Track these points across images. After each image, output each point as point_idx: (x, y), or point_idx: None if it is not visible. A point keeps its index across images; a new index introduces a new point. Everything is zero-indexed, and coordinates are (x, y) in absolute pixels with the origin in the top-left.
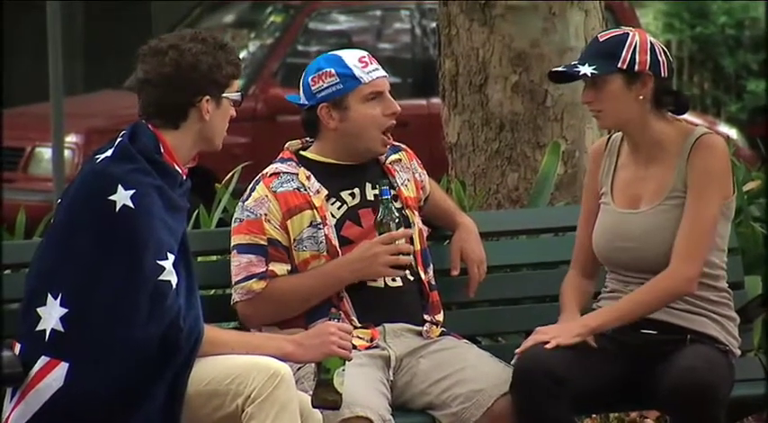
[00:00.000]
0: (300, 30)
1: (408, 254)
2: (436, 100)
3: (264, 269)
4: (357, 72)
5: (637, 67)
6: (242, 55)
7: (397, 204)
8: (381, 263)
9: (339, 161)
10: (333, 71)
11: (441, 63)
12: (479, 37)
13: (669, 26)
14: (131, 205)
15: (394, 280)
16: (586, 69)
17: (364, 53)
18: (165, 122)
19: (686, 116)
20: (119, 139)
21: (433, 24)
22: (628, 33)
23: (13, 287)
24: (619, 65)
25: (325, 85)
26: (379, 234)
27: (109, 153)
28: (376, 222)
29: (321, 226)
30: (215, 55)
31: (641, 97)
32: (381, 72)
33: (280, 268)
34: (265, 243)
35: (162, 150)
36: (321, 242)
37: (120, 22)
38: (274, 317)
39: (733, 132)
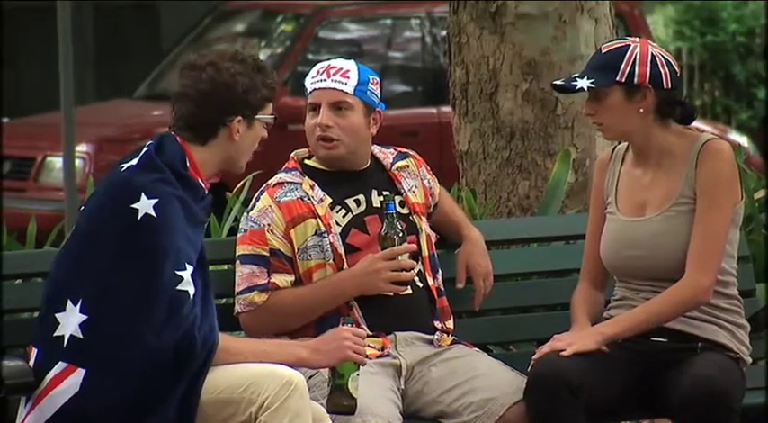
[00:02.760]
0: (311, 38)
1: (411, 269)
2: (446, 108)
3: (267, 281)
4: (308, 82)
5: (636, 80)
6: None
7: (404, 210)
8: (383, 279)
9: (342, 168)
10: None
11: (451, 71)
12: (490, 45)
13: (680, 34)
14: (154, 214)
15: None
16: (584, 83)
17: (326, 64)
18: (194, 137)
19: (696, 124)
20: (145, 149)
21: (444, 33)
22: (629, 45)
23: (24, 297)
24: (617, 78)
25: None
26: (383, 249)
27: (134, 162)
28: (379, 236)
29: (326, 234)
30: (252, 76)
31: (641, 110)
32: (327, 83)
33: (282, 279)
34: (267, 254)
35: (188, 164)
36: (327, 250)
37: (130, 31)
38: (277, 329)
39: (744, 140)
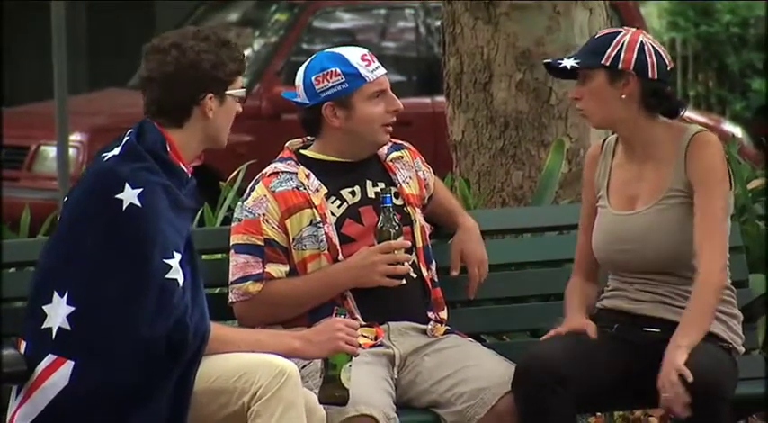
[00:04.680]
0: (305, 28)
1: (406, 263)
2: (441, 98)
3: (261, 270)
4: (362, 71)
5: (620, 65)
6: (246, 53)
7: (399, 202)
8: (379, 272)
9: (341, 159)
10: (338, 70)
11: (445, 61)
12: (484, 35)
13: (674, 24)
14: (138, 204)
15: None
16: (569, 62)
17: (365, 51)
18: (169, 121)
19: (690, 114)
20: (126, 138)
21: (438, 23)
22: (620, 31)
23: (18, 285)
24: (602, 61)
25: (331, 85)
26: (379, 242)
27: (116, 151)
28: (376, 230)
29: (321, 224)
30: (217, 52)
31: (624, 96)
32: (382, 70)
33: (276, 269)
34: (262, 243)
35: (168, 149)
36: (321, 240)
37: (124, 20)
38: (270, 318)
39: (738, 131)
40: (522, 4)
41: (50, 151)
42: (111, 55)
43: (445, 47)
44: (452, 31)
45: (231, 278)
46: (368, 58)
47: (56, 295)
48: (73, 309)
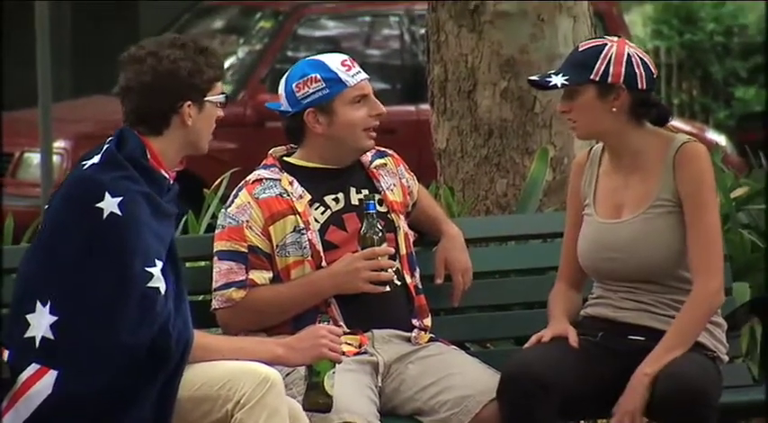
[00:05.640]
0: (289, 36)
1: (390, 270)
2: (425, 106)
3: (244, 277)
4: (342, 76)
5: (610, 79)
6: (231, 61)
7: (382, 208)
8: (362, 278)
9: (324, 165)
10: (318, 76)
11: (430, 69)
12: (468, 43)
13: (658, 33)
14: (119, 213)
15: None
16: (558, 80)
17: (345, 56)
18: (148, 129)
19: (674, 122)
20: (106, 146)
21: (422, 30)
22: (606, 44)
23: (2, 293)
24: (591, 76)
25: (311, 91)
26: (362, 248)
27: (96, 159)
28: (359, 236)
29: (304, 231)
30: (194, 59)
31: (614, 109)
32: (363, 74)
33: (260, 276)
34: (246, 250)
35: (149, 156)
36: (305, 247)
37: (109, 26)
38: (254, 325)
39: (721, 139)
40: (507, 11)
41: (34, 158)
42: (96, 62)
43: (429, 54)
44: (437, 38)
45: (214, 285)
46: (348, 63)
47: (38, 304)
48: (56, 318)
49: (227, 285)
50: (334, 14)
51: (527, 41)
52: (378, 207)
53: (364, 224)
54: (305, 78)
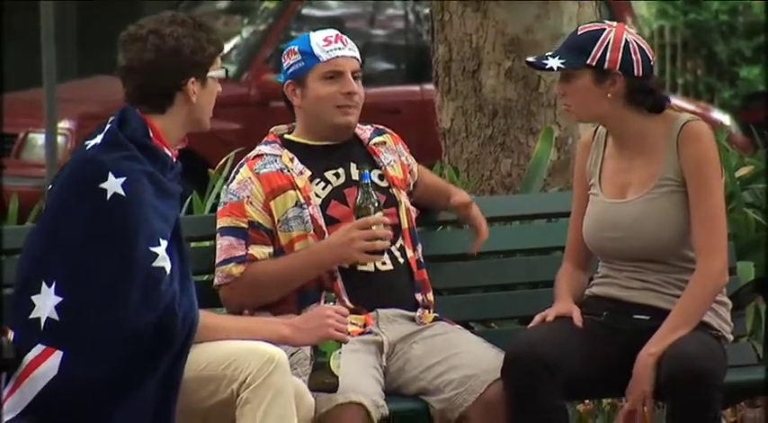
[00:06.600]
0: (293, 16)
1: (385, 239)
2: (429, 86)
3: (244, 252)
4: (317, 50)
5: (606, 65)
6: (235, 41)
7: (383, 183)
8: (357, 248)
9: (321, 142)
10: (296, 49)
11: (434, 49)
12: (473, 23)
13: (663, 12)
14: (122, 193)
15: (384, 263)
16: (555, 63)
17: (333, 33)
18: (151, 107)
19: (679, 102)
20: (108, 126)
21: (427, 10)
22: (604, 29)
23: (7, 273)
24: (588, 61)
25: (291, 63)
26: (357, 218)
27: (99, 140)
28: (355, 206)
29: (305, 206)
30: (196, 36)
31: (609, 95)
32: (346, 52)
33: (260, 251)
34: (246, 226)
35: (151, 135)
36: (307, 222)
37: (113, 7)
38: (255, 301)
39: (726, 118)
40: None
41: (39, 139)
42: (101, 42)
43: (434, 34)
44: (441, 18)
45: (216, 261)
46: (331, 39)
47: (44, 285)
48: (61, 299)
49: (226, 261)
50: None
51: (532, 21)
52: (378, 182)
53: (359, 194)
54: (288, 50)
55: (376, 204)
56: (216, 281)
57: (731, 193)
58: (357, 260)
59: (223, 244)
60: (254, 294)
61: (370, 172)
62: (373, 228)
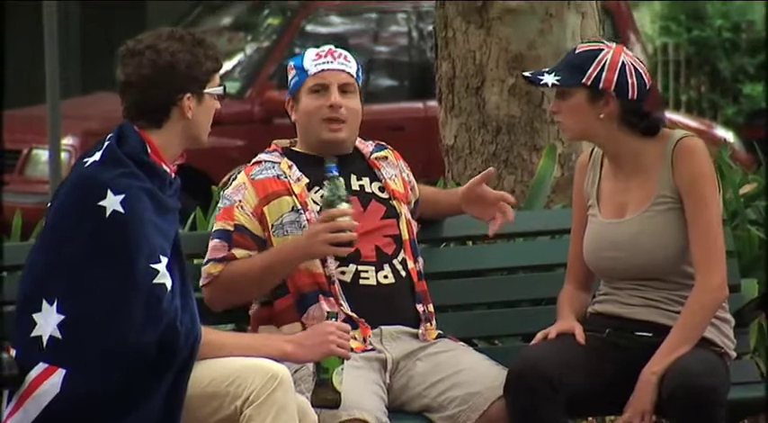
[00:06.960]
0: (297, 32)
1: (350, 230)
2: (433, 103)
3: (224, 254)
4: (306, 64)
5: (601, 85)
6: (239, 57)
7: (384, 195)
8: (321, 240)
9: (319, 154)
10: (292, 65)
11: (437, 66)
12: (476, 39)
13: (666, 29)
14: (122, 210)
15: (386, 277)
16: (550, 79)
17: (327, 47)
18: (148, 123)
19: (682, 119)
20: (106, 142)
21: (430, 27)
22: (602, 49)
23: (10, 289)
24: (583, 80)
25: (290, 79)
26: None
27: (97, 157)
28: (323, 201)
29: (303, 211)
30: (193, 51)
31: (602, 116)
32: (334, 65)
33: (241, 253)
34: (232, 229)
35: (149, 151)
36: (304, 227)
37: (116, 24)
38: (232, 300)
39: (730, 135)
40: (515, 7)
41: (42, 155)
42: (104, 59)
43: (437, 51)
44: (444, 35)
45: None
46: (322, 53)
47: (45, 303)
48: (63, 317)
49: (207, 261)
50: (342, 11)
51: (535, 37)
52: (379, 193)
53: (325, 188)
54: (288, 67)
55: (344, 197)
56: (200, 282)
57: (735, 210)
58: (325, 253)
59: (210, 246)
60: (231, 292)
61: (336, 164)
62: (339, 220)
